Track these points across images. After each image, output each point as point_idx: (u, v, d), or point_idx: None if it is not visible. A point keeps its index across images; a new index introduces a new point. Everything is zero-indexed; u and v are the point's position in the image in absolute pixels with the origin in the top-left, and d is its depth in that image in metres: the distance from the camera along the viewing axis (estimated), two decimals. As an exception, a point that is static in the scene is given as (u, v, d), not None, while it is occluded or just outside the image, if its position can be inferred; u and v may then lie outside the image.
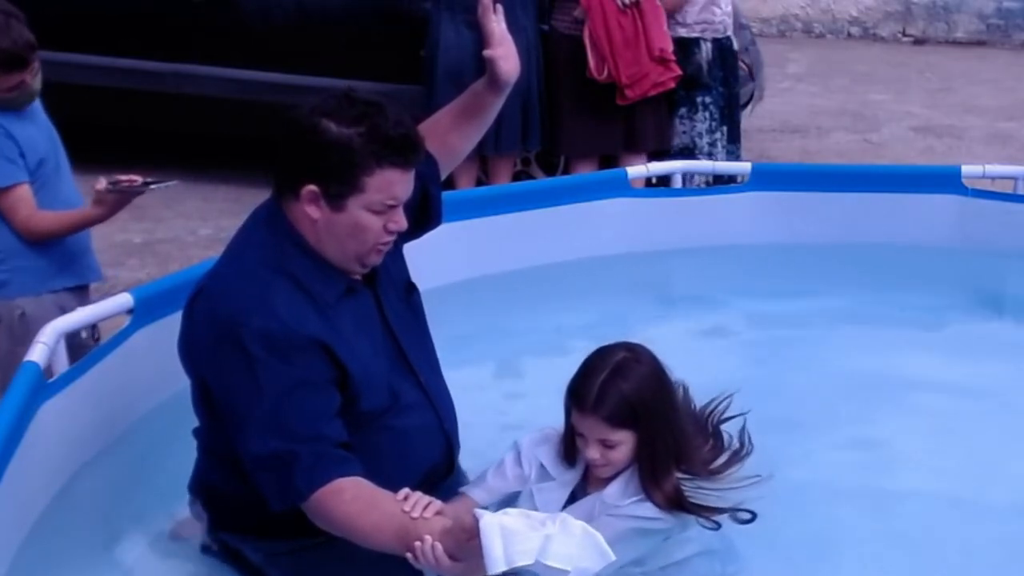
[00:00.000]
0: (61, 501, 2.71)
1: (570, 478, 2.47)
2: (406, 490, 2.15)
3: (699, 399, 2.68)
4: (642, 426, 2.36)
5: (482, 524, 1.94)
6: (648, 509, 2.37)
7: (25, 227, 3.13)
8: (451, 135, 2.61)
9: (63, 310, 3.04)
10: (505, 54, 2.49)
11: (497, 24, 2.48)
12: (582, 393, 2.37)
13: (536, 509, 2.34)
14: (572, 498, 2.46)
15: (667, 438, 2.39)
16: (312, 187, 2.23)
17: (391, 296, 2.45)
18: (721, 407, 2.65)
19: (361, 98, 2.24)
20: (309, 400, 2.22)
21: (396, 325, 2.42)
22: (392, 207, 2.26)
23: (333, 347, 2.25)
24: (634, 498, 2.38)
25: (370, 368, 2.33)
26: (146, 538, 2.73)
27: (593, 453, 2.37)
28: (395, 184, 2.24)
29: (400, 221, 2.29)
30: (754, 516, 2.49)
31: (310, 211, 2.25)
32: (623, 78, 5.15)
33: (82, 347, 3.00)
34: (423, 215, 2.56)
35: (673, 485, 2.39)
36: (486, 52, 2.51)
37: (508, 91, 2.56)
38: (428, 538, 2.03)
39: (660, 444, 2.37)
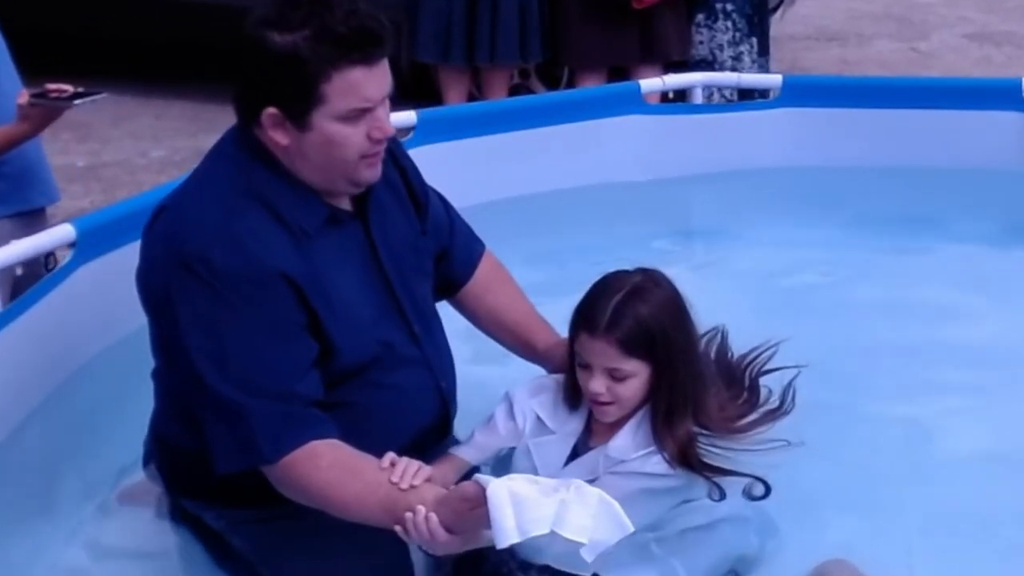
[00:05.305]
0: (-5, 460, 2.69)
1: (571, 430, 2.43)
2: (391, 455, 2.12)
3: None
4: (658, 358, 2.32)
5: (490, 491, 1.90)
6: (657, 464, 2.35)
7: None
8: (497, 313, 2.69)
9: (5, 239, 2.98)
10: None
11: None
12: (593, 313, 2.31)
13: (534, 467, 2.36)
14: (574, 454, 2.42)
15: (685, 377, 2.36)
16: (271, 110, 2.19)
17: (387, 225, 2.39)
18: (764, 356, 2.61)
19: None
20: (278, 349, 2.17)
21: (389, 262, 2.37)
22: (367, 110, 2.20)
23: (304, 287, 2.20)
24: (643, 451, 2.36)
25: (352, 313, 2.27)
26: (93, 502, 2.72)
27: (598, 386, 2.32)
28: (361, 85, 2.17)
29: (384, 126, 2.22)
30: (768, 491, 2.47)
31: (277, 137, 2.20)
32: (639, -24, 5.13)
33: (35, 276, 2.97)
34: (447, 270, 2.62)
35: (687, 433, 2.36)
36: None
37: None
38: (421, 509, 2.01)
39: (679, 382, 2.34)
